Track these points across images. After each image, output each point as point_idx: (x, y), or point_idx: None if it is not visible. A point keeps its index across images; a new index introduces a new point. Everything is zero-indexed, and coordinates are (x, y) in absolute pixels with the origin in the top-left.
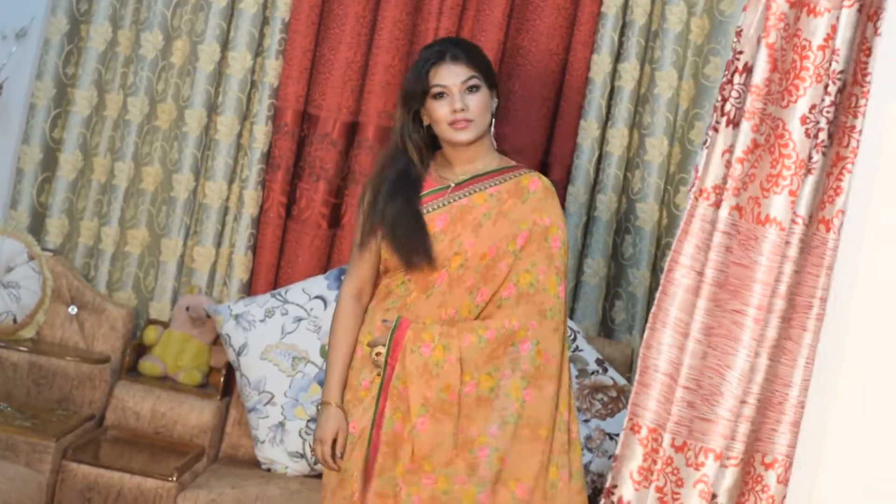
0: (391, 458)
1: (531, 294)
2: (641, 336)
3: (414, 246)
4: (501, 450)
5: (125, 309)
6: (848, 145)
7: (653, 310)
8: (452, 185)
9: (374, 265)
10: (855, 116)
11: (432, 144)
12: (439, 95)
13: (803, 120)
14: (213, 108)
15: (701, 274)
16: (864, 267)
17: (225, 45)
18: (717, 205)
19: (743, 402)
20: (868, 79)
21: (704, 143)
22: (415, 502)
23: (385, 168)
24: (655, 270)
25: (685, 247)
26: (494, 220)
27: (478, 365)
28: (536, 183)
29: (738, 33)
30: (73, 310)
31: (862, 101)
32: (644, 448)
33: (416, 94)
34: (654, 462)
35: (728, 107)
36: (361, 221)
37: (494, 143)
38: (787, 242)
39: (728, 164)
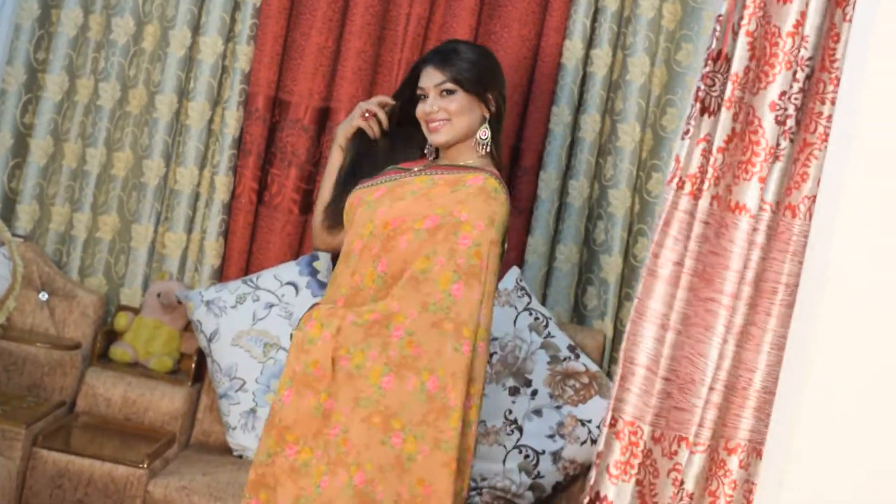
0: (267, 430)
1: (420, 282)
2: (614, 322)
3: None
4: (349, 431)
5: (96, 295)
6: (815, 131)
7: (634, 303)
8: (416, 169)
9: None
10: (822, 103)
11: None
12: (421, 97)
13: (773, 107)
14: (184, 94)
15: (680, 265)
16: (835, 253)
17: (196, 30)
18: (697, 195)
19: (711, 388)
20: (836, 65)
21: (686, 132)
22: (276, 472)
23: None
24: (628, 256)
25: (667, 240)
26: (417, 197)
27: (356, 341)
28: (478, 180)
29: (719, 20)
30: (43, 296)
31: (830, 88)
32: (621, 441)
33: (405, 91)
34: (634, 455)
35: (706, 96)
36: None
37: (485, 150)
38: (755, 229)
39: (706, 154)
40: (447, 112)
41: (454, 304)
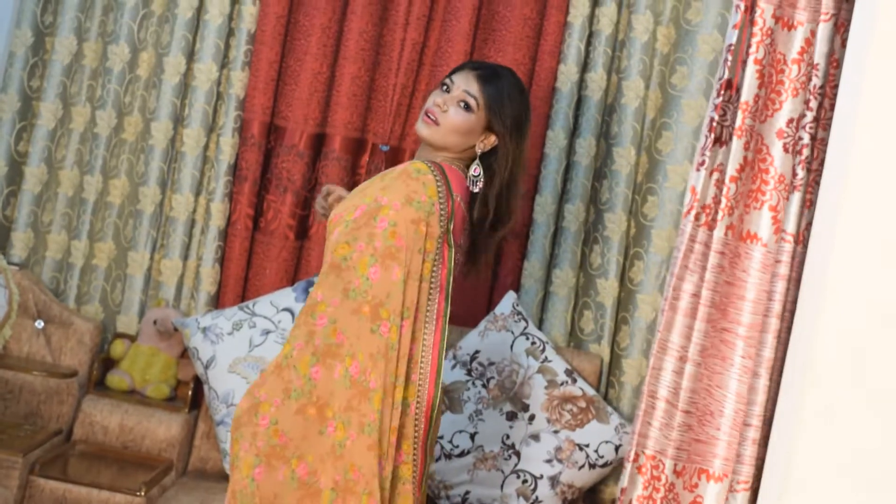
0: None
1: (342, 269)
2: (610, 346)
3: None
4: (281, 423)
5: (92, 323)
6: (820, 158)
7: (657, 338)
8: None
9: None
10: (825, 129)
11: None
12: (441, 86)
13: (780, 134)
14: (179, 120)
15: (697, 296)
16: (831, 278)
17: (191, 56)
18: (712, 225)
19: (746, 424)
20: (836, 91)
21: (701, 164)
22: (230, 461)
23: None
24: (624, 280)
25: (686, 273)
26: (354, 193)
27: (289, 332)
28: (404, 165)
29: (730, 50)
30: (39, 324)
31: (830, 114)
32: (643, 476)
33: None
34: (657, 490)
35: (719, 126)
36: None
37: (477, 188)
38: (777, 261)
39: (720, 184)
40: (449, 118)
41: (371, 287)
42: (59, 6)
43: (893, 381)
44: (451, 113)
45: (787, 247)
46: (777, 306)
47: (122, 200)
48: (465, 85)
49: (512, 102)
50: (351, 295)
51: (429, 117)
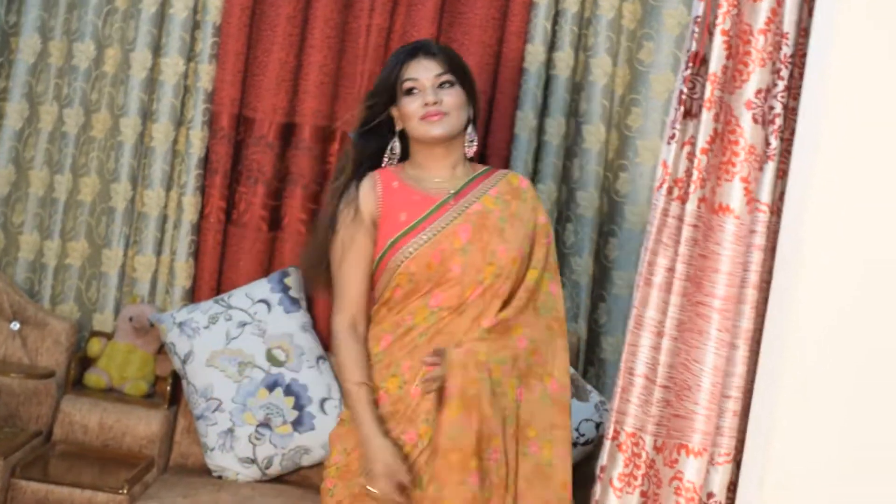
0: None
1: (532, 290)
2: (587, 324)
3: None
4: (509, 453)
5: (68, 322)
6: (791, 127)
7: (632, 313)
8: (452, 194)
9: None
10: (796, 99)
11: (404, 155)
12: (410, 91)
13: (749, 105)
14: (147, 116)
15: (672, 270)
16: (806, 250)
17: (157, 51)
18: (684, 199)
19: (725, 396)
20: (805, 59)
21: (671, 137)
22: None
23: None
24: (599, 258)
25: (659, 247)
26: (510, 222)
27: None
28: (524, 182)
29: (696, 22)
30: (15, 325)
31: (801, 83)
32: (624, 454)
33: (385, 88)
34: (637, 467)
35: (688, 99)
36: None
37: (472, 151)
38: (752, 231)
39: (691, 157)
40: (449, 103)
41: (555, 301)
42: (23, 5)
43: (871, 345)
44: (445, 96)
45: (762, 217)
46: (754, 277)
47: (94, 198)
48: (428, 70)
49: (462, 61)
50: (541, 312)
51: (434, 115)
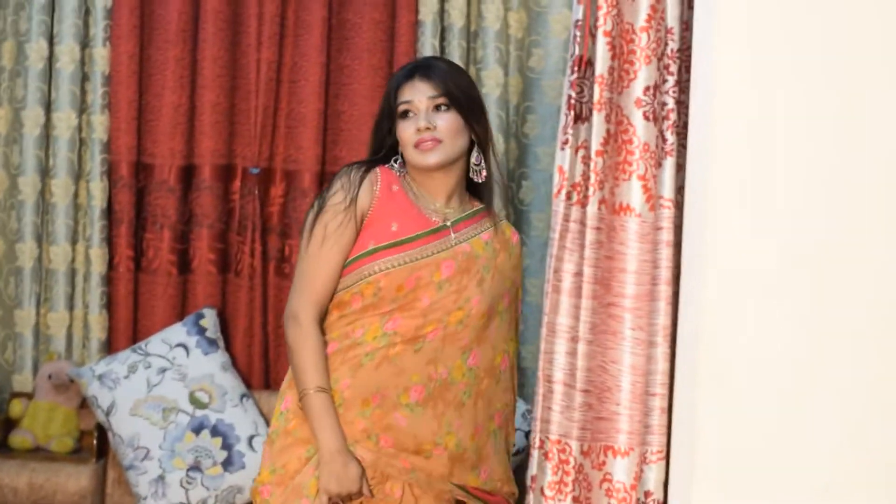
0: None
1: (514, 366)
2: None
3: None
4: None
5: None
6: (684, 121)
7: (543, 321)
8: (449, 224)
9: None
10: (684, 92)
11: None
12: (405, 114)
13: (638, 103)
14: (45, 172)
15: (579, 275)
16: (709, 239)
17: (48, 106)
18: (584, 202)
19: (650, 394)
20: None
21: (564, 142)
22: None
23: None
24: None
25: (564, 253)
26: (493, 274)
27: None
28: (515, 235)
29: (577, 26)
30: None
31: (687, 76)
32: (551, 462)
33: (385, 111)
34: (567, 473)
35: (577, 103)
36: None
37: (480, 177)
38: (659, 227)
39: (587, 160)
40: (443, 129)
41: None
42: None
43: (785, 329)
44: (439, 121)
45: (667, 213)
46: (665, 273)
47: (0, 259)
48: (422, 92)
49: (462, 80)
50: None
51: (427, 142)
